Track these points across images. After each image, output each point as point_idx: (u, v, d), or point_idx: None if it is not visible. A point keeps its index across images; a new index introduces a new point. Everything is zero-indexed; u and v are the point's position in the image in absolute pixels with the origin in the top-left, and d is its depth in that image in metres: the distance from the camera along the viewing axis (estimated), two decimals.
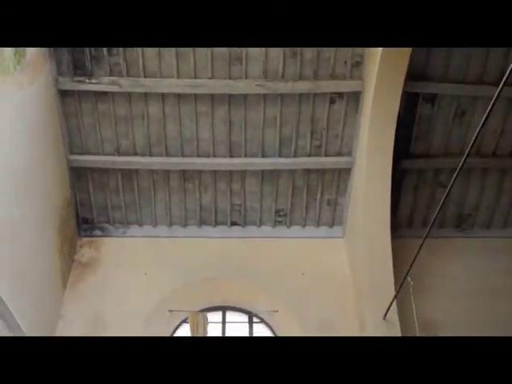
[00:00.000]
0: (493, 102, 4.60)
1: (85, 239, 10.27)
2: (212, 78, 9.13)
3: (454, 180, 5.88)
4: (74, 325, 9.05)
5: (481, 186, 10.28)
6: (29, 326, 7.54)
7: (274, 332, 9.85)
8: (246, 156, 9.85)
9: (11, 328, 7.08)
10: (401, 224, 10.28)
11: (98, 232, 10.34)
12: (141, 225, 10.39)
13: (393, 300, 8.29)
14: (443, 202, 6.46)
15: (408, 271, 7.59)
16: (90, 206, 10.17)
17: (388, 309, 8.35)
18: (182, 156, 9.78)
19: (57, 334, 8.93)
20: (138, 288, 9.53)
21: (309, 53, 8.93)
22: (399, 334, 8.47)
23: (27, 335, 7.46)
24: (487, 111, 4.69)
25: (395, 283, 8.56)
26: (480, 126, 4.96)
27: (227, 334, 9.77)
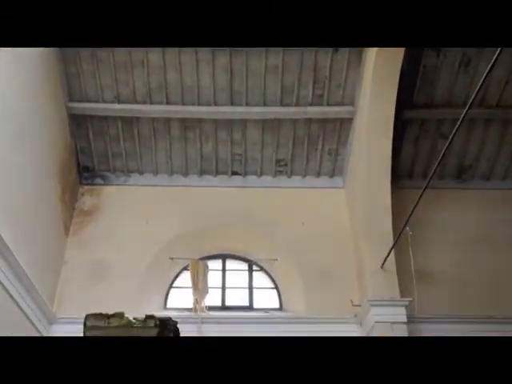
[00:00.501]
0: (498, 52, 4.51)
1: (86, 187, 10.31)
2: None
3: (456, 130, 5.85)
4: (77, 271, 9.24)
5: (483, 137, 10.23)
6: (34, 273, 7.69)
7: (273, 280, 10.05)
8: (247, 105, 9.75)
9: (18, 276, 7.22)
10: (402, 175, 10.29)
11: (98, 180, 10.38)
12: (141, 173, 10.40)
13: (391, 249, 8.42)
14: (444, 153, 6.45)
15: (407, 221, 7.67)
16: (90, 154, 10.16)
17: (386, 258, 8.49)
18: (183, 104, 9.68)
19: (61, 280, 9.13)
20: (140, 236, 9.65)
21: None
22: (396, 283, 8.64)
23: (33, 282, 7.63)
24: (492, 61, 4.61)
25: (394, 233, 8.66)
26: (484, 75, 4.89)
27: (227, 282, 9.98)
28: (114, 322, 3.09)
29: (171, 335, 3.22)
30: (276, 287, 10.01)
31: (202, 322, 8.80)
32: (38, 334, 8.14)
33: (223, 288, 9.90)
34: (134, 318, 3.13)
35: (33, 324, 7.94)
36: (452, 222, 10.07)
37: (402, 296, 8.57)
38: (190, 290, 9.35)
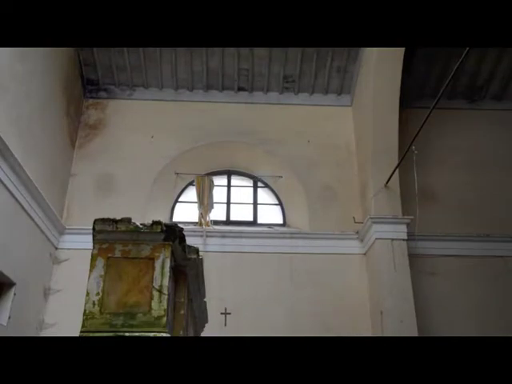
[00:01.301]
0: None
1: (90, 101, 10.21)
2: None
3: (469, 49, 5.67)
4: (84, 184, 9.37)
5: (497, 56, 9.92)
6: (42, 184, 7.81)
7: (277, 197, 10.19)
8: None
9: (27, 187, 7.34)
10: (411, 94, 10.09)
11: (103, 94, 10.25)
12: (146, 87, 10.25)
13: (396, 168, 8.45)
14: (456, 72, 6.29)
15: (413, 140, 7.63)
16: (94, 67, 9.96)
17: (390, 176, 8.54)
18: None
19: (69, 193, 9.28)
20: (145, 150, 9.68)
21: None
22: (399, 202, 8.75)
23: (42, 194, 7.77)
24: None
25: (399, 153, 8.65)
26: None
27: (232, 198, 10.13)
28: (122, 227, 3.17)
29: (177, 241, 3.31)
30: (280, 203, 10.16)
31: (207, 236, 9.03)
32: (50, 245, 8.42)
33: (228, 203, 10.07)
34: (141, 224, 3.21)
35: (44, 234, 8.17)
36: (460, 143, 10.01)
37: (403, 214, 8.71)
38: (196, 205, 9.51)
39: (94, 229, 3.17)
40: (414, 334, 7.81)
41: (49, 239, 8.38)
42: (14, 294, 7.10)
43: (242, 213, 10.02)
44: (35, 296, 7.93)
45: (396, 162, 8.52)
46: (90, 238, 3.27)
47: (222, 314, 8.35)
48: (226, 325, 8.30)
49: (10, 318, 6.97)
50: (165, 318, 3.06)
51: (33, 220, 7.71)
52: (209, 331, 6.14)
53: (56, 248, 8.69)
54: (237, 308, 8.44)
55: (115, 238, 3.21)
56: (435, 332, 8.24)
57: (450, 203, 9.50)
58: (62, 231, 8.79)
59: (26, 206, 7.41)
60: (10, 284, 7.09)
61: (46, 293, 8.29)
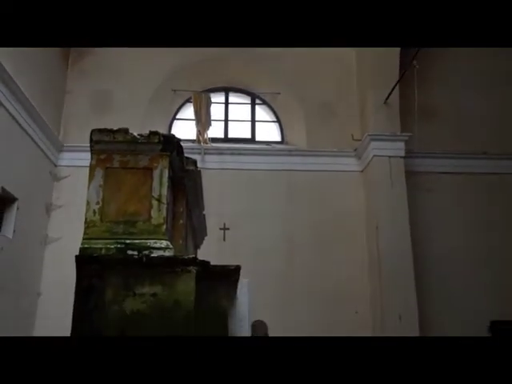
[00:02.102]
0: None
1: None
2: None
3: None
4: (80, 101, 9.25)
5: None
6: (38, 102, 7.72)
7: (275, 114, 10.10)
8: None
9: (23, 105, 7.25)
10: None
11: None
12: None
13: (396, 84, 8.33)
14: None
15: (415, 54, 7.47)
16: None
17: (390, 92, 8.43)
18: None
19: (65, 110, 9.18)
20: (141, 67, 9.47)
21: None
22: (398, 118, 8.69)
23: (38, 111, 7.70)
24: None
25: (400, 69, 8.49)
26: None
27: (230, 115, 10.04)
28: (119, 137, 3.18)
29: (175, 152, 3.34)
30: (278, 121, 10.10)
31: (205, 153, 9.06)
32: (49, 162, 8.46)
33: (226, 121, 10.01)
34: (138, 134, 3.21)
35: (43, 151, 8.20)
36: (461, 64, 9.71)
37: (402, 131, 8.69)
38: (193, 122, 9.45)
39: (91, 139, 3.18)
40: (408, 247, 8.06)
41: (47, 156, 8.41)
42: (17, 209, 7.25)
43: (240, 130, 9.98)
44: (38, 212, 8.09)
45: (396, 79, 8.38)
46: (88, 155, 3.28)
47: (220, 229, 8.55)
48: (224, 240, 8.53)
49: (15, 231, 7.16)
50: (164, 226, 3.14)
51: (30, 137, 7.70)
52: (208, 246, 6.31)
53: (55, 165, 8.75)
54: (235, 224, 8.64)
55: (113, 149, 3.23)
56: (429, 246, 8.49)
57: (449, 121, 9.44)
58: (59, 148, 8.80)
59: (22, 123, 7.37)
60: (13, 199, 7.21)
61: (48, 208, 8.45)
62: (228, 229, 8.58)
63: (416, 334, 7.52)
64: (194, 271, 3.03)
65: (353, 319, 8.15)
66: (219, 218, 8.41)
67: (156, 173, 3.20)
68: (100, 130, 3.17)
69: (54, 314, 7.28)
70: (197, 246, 5.42)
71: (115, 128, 3.29)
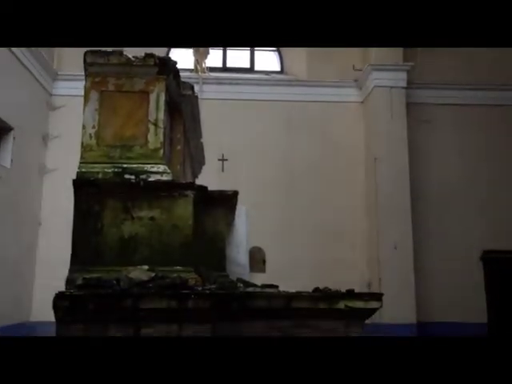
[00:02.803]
0: None
1: None
2: None
3: None
4: None
5: None
6: None
7: None
8: None
9: None
10: None
11: None
12: None
13: None
14: None
15: None
16: None
17: None
18: None
19: None
20: None
21: None
22: (400, 48, 8.45)
23: None
24: None
25: None
26: None
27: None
28: (114, 60, 3.09)
29: (171, 75, 3.25)
30: (278, 50, 9.83)
31: (204, 83, 8.89)
32: (44, 91, 8.31)
33: (224, 49, 9.73)
34: (133, 57, 3.12)
35: (37, 80, 8.03)
36: None
37: (404, 62, 8.49)
38: (191, 51, 9.20)
39: (85, 61, 3.09)
40: (406, 179, 8.09)
41: (42, 85, 8.25)
42: (14, 138, 7.19)
43: (238, 59, 9.74)
44: (34, 141, 8.03)
45: None
46: (82, 83, 3.20)
47: (219, 160, 8.53)
48: (223, 170, 8.54)
49: (12, 161, 7.14)
50: (161, 151, 3.11)
51: (23, 65, 7.51)
52: (207, 177, 6.29)
53: (51, 94, 8.60)
54: (234, 154, 8.61)
55: (108, 72, 3.14)
56: (427, 177, 8.51)
57: (452, 51, 9.18)
58: (54, 77, 8.61)
59: (15, 51, 7.17)
60: (8, 129, 7.14)
61: (45, 138, 8.38)
62: (226, 160, 8.56)
63: (410, 263, 7.70)
64: (192, 195, 3.03)
65: (349, 250, 8.31)
66: (217, 149, 8.37)
67: (152, 96, 3.13)
68: (93, 52, 3.07)
69: (55, 242, 7.40)
70: (195, 175, 5.42)
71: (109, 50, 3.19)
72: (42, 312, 6.59)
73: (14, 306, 7.33)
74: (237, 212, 4.43)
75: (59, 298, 2.73)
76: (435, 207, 8.45)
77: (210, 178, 6.73)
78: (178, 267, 3.07)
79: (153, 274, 2.93)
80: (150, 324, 2.85)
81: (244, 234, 4.55)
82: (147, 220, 3.07)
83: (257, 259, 7.20)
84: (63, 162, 8.02)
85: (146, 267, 3.01)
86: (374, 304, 3.45)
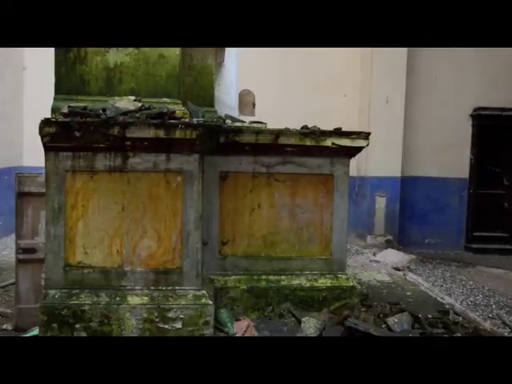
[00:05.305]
0: None
1: None
2: None
3: None
4: None
5: None
6: None
7: None
8: None
9: None
10: None
11: None
12: None
13: None
14: None
15: None
16: None
17: None
18: None
19: None
20: None
21: None
22: None
23: None
24: None
25: None
26: None
27: None
28: None
29: None
30: None
31: None
32: None
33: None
34: None
35: None
36: None
37: None
38: None
39: None
40: None
41: None
42: None
43: None
44: None
45: None
46: None
47: None
48: None
49: None
50: None
51: None
52: None
53: None
54: None
55: None
56: None
57: None
58: None
59: None
60: None
61: None
62: None
63: (401, 117, 7.70)
64: None
65: (341, 102, 8.22)
66: None
67: None
68: None
69: (40, 87, 7.24)
70: None
71: None
72: (34, 157, 6.65)
73: (7, 151, 7.39)
74: (227, 52, 4.29)
75: (45, 124, 2.71)
76: (432, 61, 8.21)
77: None
78: (165, 99, 3.03)
79: (139, 104, 2.89)
80: (137, 154, 2.88)
81: (234, 75, 4.45)
82: (132, 49, 2.96)
83: (246, 102, 7.09)
84: None
85: (133, 98, 2.97)
86: (360, 142, 3.51)
